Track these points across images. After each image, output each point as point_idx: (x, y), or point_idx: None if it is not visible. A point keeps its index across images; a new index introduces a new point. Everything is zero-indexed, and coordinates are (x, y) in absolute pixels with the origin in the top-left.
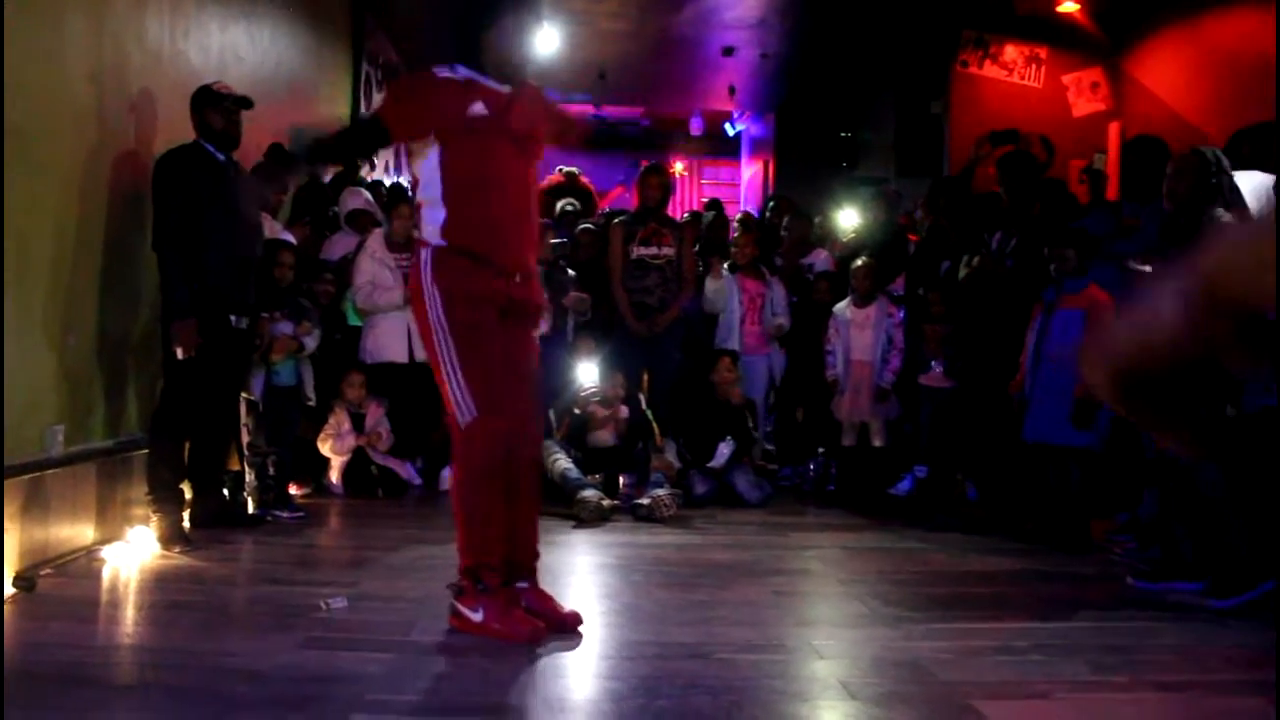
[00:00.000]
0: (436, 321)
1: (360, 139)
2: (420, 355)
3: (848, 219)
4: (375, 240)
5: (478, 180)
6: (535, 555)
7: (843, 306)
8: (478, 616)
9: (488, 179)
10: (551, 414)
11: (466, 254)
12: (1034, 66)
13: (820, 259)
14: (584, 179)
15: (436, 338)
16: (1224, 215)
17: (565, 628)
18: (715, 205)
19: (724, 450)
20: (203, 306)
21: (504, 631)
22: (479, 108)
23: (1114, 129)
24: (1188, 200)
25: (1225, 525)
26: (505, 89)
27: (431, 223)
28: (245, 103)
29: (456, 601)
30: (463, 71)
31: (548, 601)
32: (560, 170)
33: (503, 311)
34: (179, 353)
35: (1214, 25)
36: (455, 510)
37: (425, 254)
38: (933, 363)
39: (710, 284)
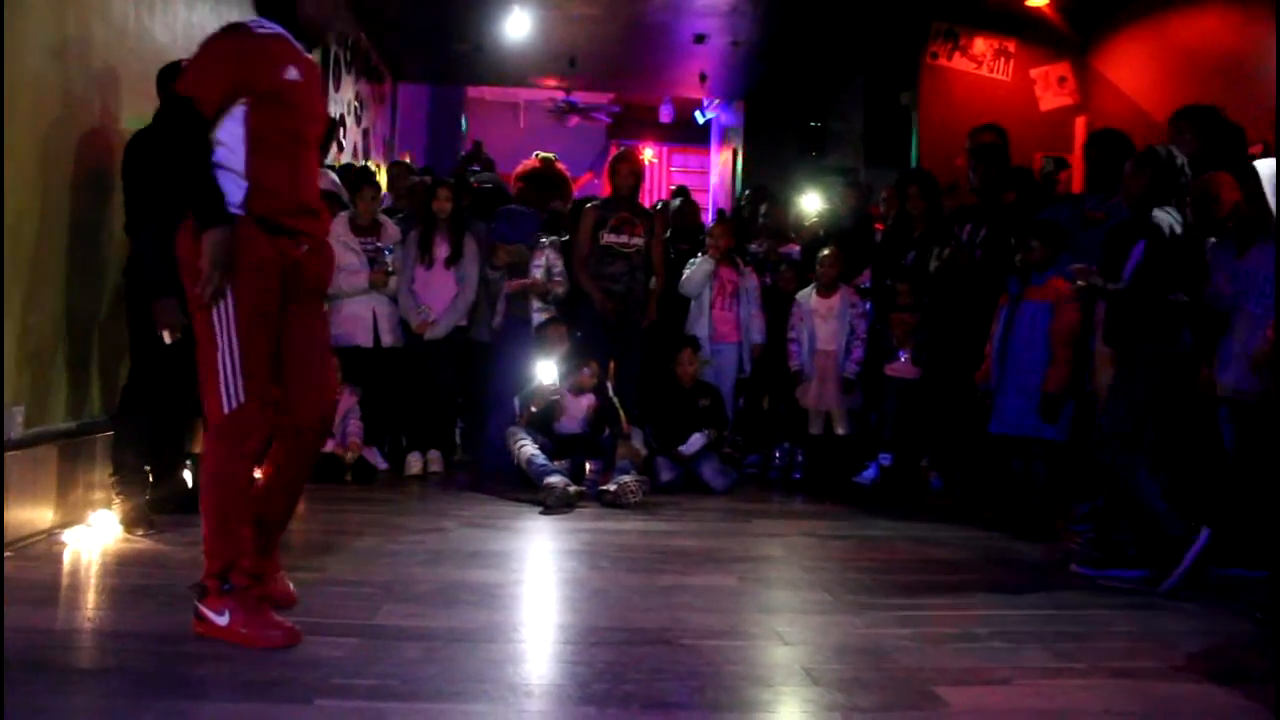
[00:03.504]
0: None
1: (191, 153)
2: (387, 340)
3: (811, 203)
4: (340, 224)
5: (284, 151)
6: (270, 538)
7: (806, 294)
8: (223, 620)
9: (294, 151)
10: (516, 401)
11: (261, 222)
12: (1003, 60)
13: (796, 252)
14: (559, 164)
15: (217, 314)
16: (1161, 215)
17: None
18: (682, 191)
19: (697, 439)
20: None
21: (251, 636)
22: (293, 73)
23: (1080, 123)
24: (1141, 198)
25: (1153, 515)
26: (310, 56)
27: (229, 193)
28: None
29: (200, 604)
30: (272, 27)
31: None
32: (537, 155)
33: (286, 279)
34: (166, 336)
35: (1179, 23)
36: (205, 506)
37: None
38: (899, 352)
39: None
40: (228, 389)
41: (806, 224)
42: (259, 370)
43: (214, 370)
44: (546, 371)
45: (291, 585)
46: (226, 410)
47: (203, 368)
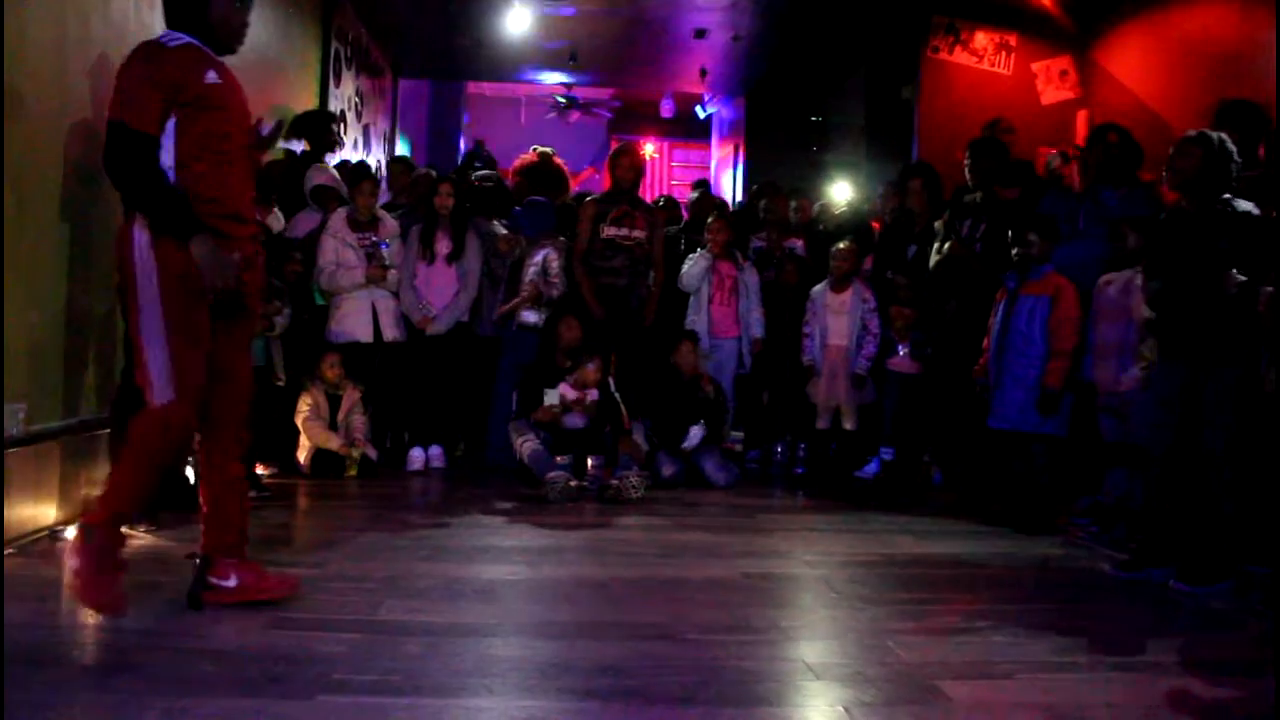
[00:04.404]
0: (150, 296)
1: (154, 178)
2: (389, 334)
3: (841, 192)
4: (338, 220)
5: (215, 156)
6: (244, 537)
7: (820, 289)
8: (232, 583)
9: (222, 153)
10: (515, 396)
11: None
12: (1004, 53)
13: (799, 246)
14: (557, 160)
15: (146, 313)
16: (1244, 204)
17: (275, 595)
18: (702, 184)
19: (696, 433)
20: None
21: (84, 592)
22: (213, 76)
23: (1082, 117)
24: (1193, 182)
25: (1216, 513)
26: (223, 61)
27: None
28: None
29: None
30: (182, 38)
31: (261, 572)
32: (535, 149)
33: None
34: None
35: (1180, 15)
36: (122, 466)
37: (142, 227)
38: (899, 346)
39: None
40: (156, 384)
41: (835, 210)
42: (186, 370)
43: (144, 366)
44: (551, 396)
45: (279, 575)
46: (155, 404)
47: (136, 360)
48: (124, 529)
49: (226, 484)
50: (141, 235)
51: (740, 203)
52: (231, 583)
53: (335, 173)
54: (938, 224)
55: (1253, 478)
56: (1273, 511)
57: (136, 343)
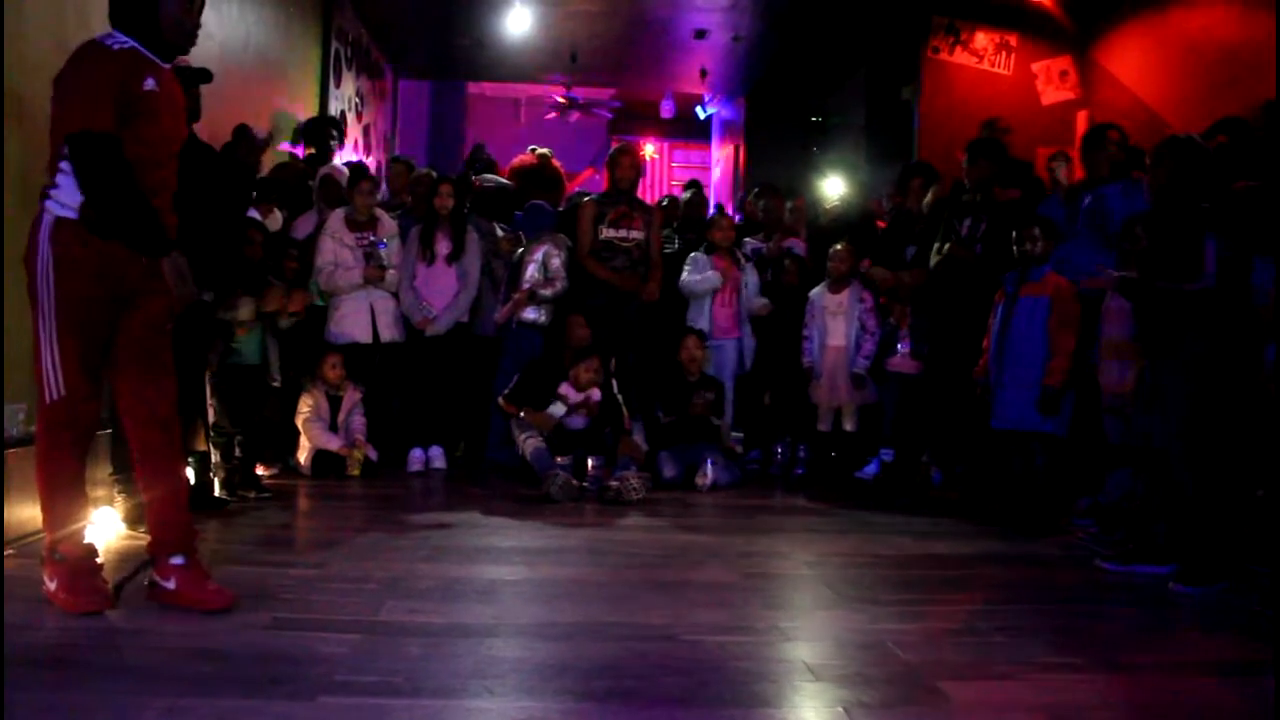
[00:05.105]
0: (43, 288)
1: (121, 175)
2: (386, 335)
3: (833, 187)
4: (336, 220)
5: (139, 162)
6: (187, 532)
7: (818, 291)
8: (52, 586)
9: (144, 162)
10: (515, 379)
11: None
12: (1004, 54)
13: (799, 246)
14: (555, 162)
15: (40, 306)
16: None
17: (206, 607)
18: (694, 184)
19: (710, 470)
20: None
21: (68, 601)
22: (150, 83)
23: (1082, 117)
24: (1167, 187)
25: (1204, 513)
26: (166, 65)
27: (69, 196)
28: (204, 76)
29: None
30: (126, 41)
31: (201, 580)
32: (533, 150)
33: (116, 293)
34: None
35: (1181, 16)
36: (36, 484)
37: (48, 220)
38: (899, 346)
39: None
40: (49, 381)
41: (827, 205)
42: (78, 366)
43: (39, 362)
44: (555, 407)
45: (217, 588)
46: (48, 401)
47: (34, 356)
48: (87, 534)
49: (161, 482)
50: (45, 226)
51: (740, 200)
52: (170, 584)
53: (344, 169)
54: (923, 204)
55: (1252, 477)
56: (1273, 511)
57: (35, 337)
